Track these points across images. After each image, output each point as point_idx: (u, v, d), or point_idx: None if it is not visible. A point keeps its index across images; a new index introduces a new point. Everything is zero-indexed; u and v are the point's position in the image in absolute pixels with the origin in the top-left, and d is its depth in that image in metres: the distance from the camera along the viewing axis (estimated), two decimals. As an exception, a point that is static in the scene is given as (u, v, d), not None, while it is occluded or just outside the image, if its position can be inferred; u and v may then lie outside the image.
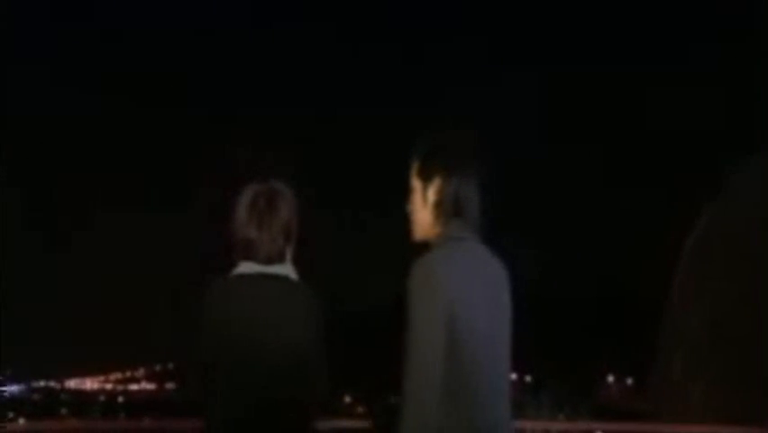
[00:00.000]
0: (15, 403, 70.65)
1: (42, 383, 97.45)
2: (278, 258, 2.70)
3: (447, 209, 2.49)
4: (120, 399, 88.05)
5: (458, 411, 2.30)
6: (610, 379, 44.24)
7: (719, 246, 11.63)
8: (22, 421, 22.83)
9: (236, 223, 2.73)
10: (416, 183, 2.54)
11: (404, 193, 2.61)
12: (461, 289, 2.37)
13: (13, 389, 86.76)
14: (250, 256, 2.70)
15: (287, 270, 2.75)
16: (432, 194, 2.50)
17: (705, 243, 12.18)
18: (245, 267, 2.71)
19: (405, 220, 2.67)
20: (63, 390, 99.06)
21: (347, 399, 53.54)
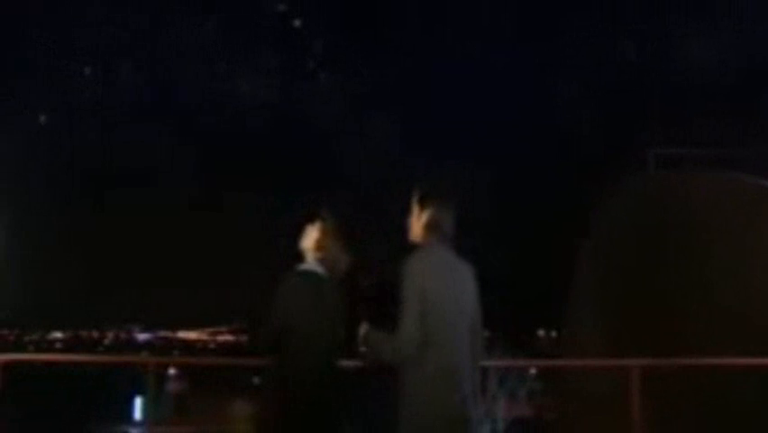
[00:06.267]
0: (145, 346, 71.45)
1: (162, 333, 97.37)
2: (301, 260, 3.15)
3: (431, 227, 2.95)
4: (211, 345, 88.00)
5: (427, 353, 2.74)
6: (541, 333, 44.28)
7: (622, 226, 10.73)
8: (150, 359, 23.04)
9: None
10: (416, 207, 3.02)
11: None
12: (431, 276, 2.79)
13: (144, 336, 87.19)
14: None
15: (317, 268, 3.13)
16: (424, 216, 2.97)
17: (611, 224, 11.17)
18: (302, 266, 3.14)
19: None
20: (175, 338, 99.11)
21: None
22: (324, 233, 3.19)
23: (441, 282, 2.79)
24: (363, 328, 2.91)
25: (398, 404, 2.75)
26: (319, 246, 3.17)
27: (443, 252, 2.92)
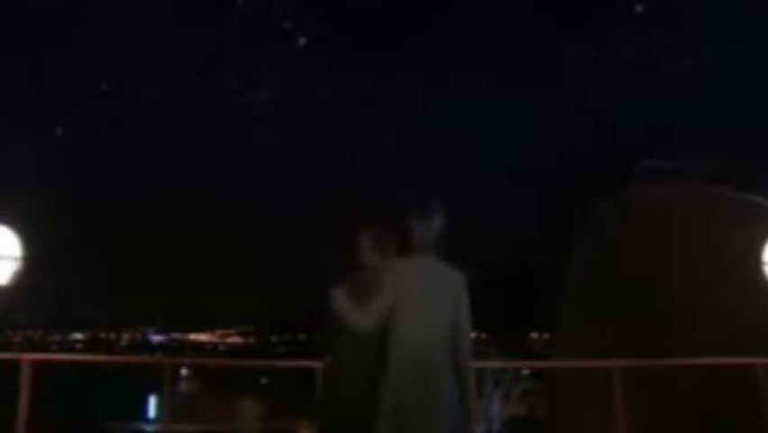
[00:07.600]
0: (159, 347, 71.60)
1: (176, 335, 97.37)
2: None
3: (407, 239, 3.10)
4: (221, 347, 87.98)
5: (394, 340, 2.91)
6: (534, 335, 44.09)
7: (613, 235, 10.68)
8: (164, 360, 23.01)
9: None
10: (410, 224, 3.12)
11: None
12: (404, 278, 2.98)
13: (159, 338, 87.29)
14: None
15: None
16: (411, 232, 3.08)
17: (603, 230, 11.09)
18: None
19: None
20: (187, 340, 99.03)
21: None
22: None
23: (409, 284, 2.97)
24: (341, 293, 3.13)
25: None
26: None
27: (420, 259, 3.06)
